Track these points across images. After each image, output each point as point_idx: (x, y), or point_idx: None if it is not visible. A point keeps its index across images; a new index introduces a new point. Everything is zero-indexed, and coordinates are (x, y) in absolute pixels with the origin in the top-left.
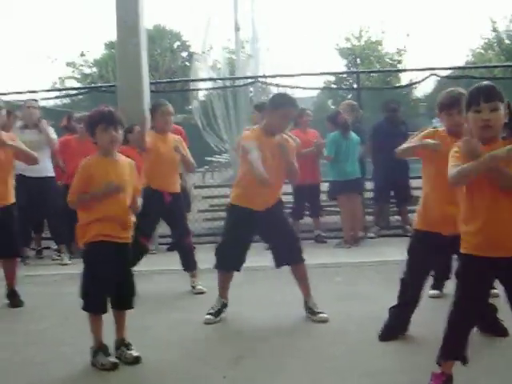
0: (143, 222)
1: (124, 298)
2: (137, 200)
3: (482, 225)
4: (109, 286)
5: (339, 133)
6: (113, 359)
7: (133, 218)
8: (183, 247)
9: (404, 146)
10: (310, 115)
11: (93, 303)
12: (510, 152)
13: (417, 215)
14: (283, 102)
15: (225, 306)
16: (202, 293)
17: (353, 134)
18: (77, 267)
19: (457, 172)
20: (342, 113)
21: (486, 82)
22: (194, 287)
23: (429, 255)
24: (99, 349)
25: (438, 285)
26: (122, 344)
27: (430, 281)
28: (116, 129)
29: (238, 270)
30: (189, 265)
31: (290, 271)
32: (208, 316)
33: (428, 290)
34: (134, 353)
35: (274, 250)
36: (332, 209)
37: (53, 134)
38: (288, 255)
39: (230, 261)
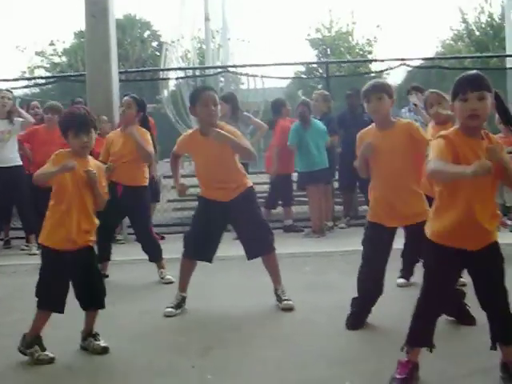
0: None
1: (91, 298)
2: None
3: (453, 218)
4: (62, 288)
5: (300, 123)
6: (50, 354)
7: (96, 221)
8: (142, 240)
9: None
10: (288, 106)
11: (45, 302)
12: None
13: (369, 207)
14: (197, 92)
15: (184, 299)
16: (170, 282)
17: (317, 125)
18: None
19: (439, 170)
20: (315, 102)
21: (473, 71)
22: (162, 278)
23: (381, 246)
24: (37, 339)
25: (407, 272)
26: (89, 335)
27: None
28: (88, 133)
29: (209, 261)
30: (152, 256)
31: (262, 261)
32: (168, 309)
33: (396, 279)
34: (102, 343)
35: (244, 243)
36: (300, 199)
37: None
38: (258, 247)
39: (195, 249)
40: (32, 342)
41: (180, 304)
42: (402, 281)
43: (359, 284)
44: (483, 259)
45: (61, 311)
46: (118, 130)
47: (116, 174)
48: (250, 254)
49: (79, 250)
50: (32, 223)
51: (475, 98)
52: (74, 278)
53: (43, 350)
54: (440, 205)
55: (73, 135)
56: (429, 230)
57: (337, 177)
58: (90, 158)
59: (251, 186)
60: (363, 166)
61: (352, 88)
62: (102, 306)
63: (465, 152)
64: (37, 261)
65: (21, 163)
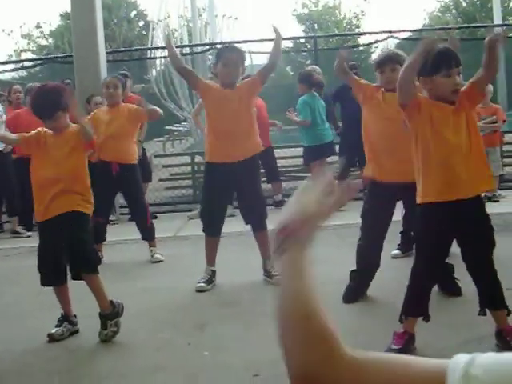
0: (97, 201)
1: (74, 265)
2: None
3: (440, 171)
4: (54, 260)
5: (311, 94)
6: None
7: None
8: (137, 217)
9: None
10: None
11: (43, 278)
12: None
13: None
14: (219, 52)
15: (214, 273)
16: (159, 261)
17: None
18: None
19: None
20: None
21: (444, 46)
22: (152, 256)
23: (381, 206)
24: (63, 318)
25: (404, 245)
26: (100, 315)
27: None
28: (52, 117)
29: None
30: (146, 235)
31: (253, 235)
32: (200, 284)
33: (391, 251)
34: (105, 333)
35: (241, 209)
36: (291, 174)
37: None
38: (254, 221)
39: (214, 226)
40: (62, 319)
41: (211, 279)
42: (396, 252)
43: (358, 257)
44: (468, 218)
45: (52, 284)
46: (104, 107)
47: (108, 152)
48: (246, 221)
49: (59, 217)
50: (14, 207)
51: (456, 73)
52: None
53: (71, 324)
54: (423, 168)
55: (42, 121)
56: (419, 196)
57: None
58: (71, 128)
59: (256, 156)
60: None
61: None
62: (87, 271)
63: (435, 114)
64: (30, 244)
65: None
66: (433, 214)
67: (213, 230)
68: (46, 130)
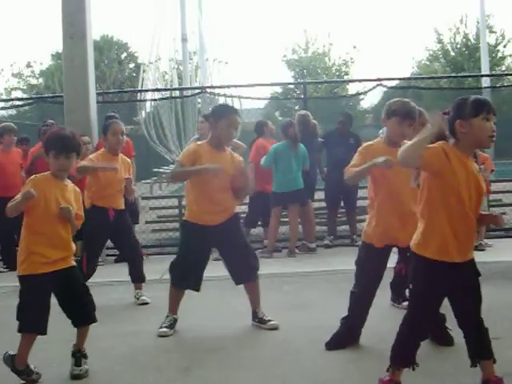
0: (91, 246)
1: (79, 315)
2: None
3: (446, 232)
4: (42, 310)
5: (287, 144)
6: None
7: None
8: (133, 259)
9: (352, 171)
10: (272, 126)
11: (27, 324)
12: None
13: (366, 227)
14: (225, 111)
15: (176, 321)
16: (145, 303)
17: (301, 147)
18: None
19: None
20: (295, 124)
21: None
22: (137, 298)
23: (376, 266)
24: (25, 369)
25: (396, 296)
26: (78, 352)
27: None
28: (68, 156)
29: (196, 290)
30: (137, 276)
31: (244, 285)
32: (163, 329)
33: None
34: (78, 370)
35: (230, 268)
36: (281, 219)
37: None
38: (245, 273)
39: (183, 279)
40: (23, 371)
41: (173, 325)
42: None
43: (350, 303)
44: (463, 277)
45: (43, 332)
46: (103, 152)
47: (106, 200)
48: (238, 280)
49: (58, 271)
50: None
51: (493, 120)
52: (58, 298)
53: (31, 374)
54: (428, 222)
55: (53, 156)
56: (420, 249)
57: (321, 196)
58: (68, 181)
59: (237, 212)
60: (364, 175)
61: (345, 113)
62: (92, 321)
63: (456, 165)
64: (14, 283)
65: None
66: (429, 267)
67: (180, 282)
68: (38, 177)
